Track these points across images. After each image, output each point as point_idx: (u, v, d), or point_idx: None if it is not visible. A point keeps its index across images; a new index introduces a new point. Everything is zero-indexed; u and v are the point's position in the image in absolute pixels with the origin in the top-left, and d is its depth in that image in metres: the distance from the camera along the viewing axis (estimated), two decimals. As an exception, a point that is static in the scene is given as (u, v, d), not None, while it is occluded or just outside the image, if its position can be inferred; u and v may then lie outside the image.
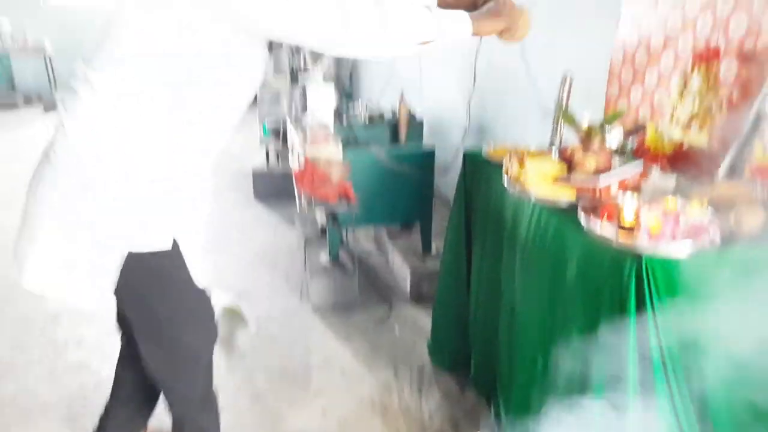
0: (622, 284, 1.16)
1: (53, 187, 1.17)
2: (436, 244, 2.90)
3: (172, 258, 1.25)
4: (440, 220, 3.10)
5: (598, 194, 1.41)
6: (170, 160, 1.18)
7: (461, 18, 1.18)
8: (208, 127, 1.21)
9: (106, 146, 1.13)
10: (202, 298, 1.38)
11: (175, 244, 1.24)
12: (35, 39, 7.41)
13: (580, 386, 1.30)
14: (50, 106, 7.32)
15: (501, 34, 1.26)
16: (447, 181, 3.71)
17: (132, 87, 1.09)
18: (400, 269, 2.85)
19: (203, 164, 1.29)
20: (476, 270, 2.00)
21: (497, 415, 1.85)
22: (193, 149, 1.22)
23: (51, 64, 7.45)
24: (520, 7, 1.26)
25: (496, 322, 1.84)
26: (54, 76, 7.53)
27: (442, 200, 3.77)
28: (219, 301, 2.55)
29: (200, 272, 1.32)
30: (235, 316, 2.54)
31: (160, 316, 1.32)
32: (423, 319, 2.52)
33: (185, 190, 1.25)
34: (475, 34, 1.21)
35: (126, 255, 1.18)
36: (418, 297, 2.69)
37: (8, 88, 7.91)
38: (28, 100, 7.84)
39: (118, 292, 1.25)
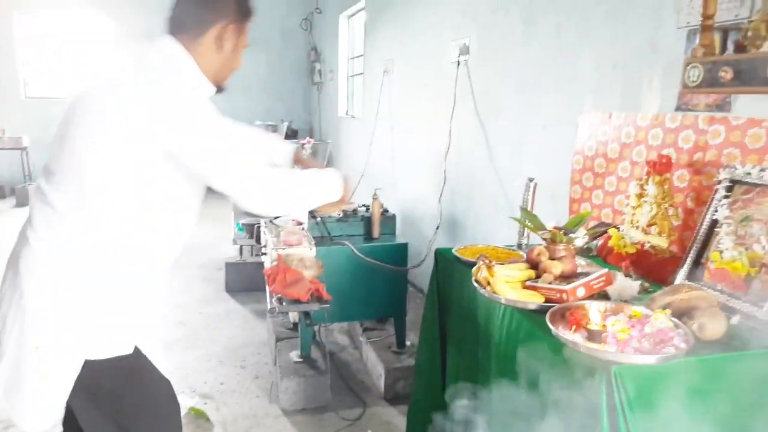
0: (594, 389, 1.17)
1: (18, 305, 1.19)
2: (411, 338, 2.87)
3: (134, 360, 1.25)
4: (414, 311, 3.10)
5: (565, 298, 1.45)
6: (128, 268, 1.25)
7: (335, 178, 1.51)
8: (159, 240, 1.31)
9: (69, 257, 1.19)
10: (166, 394, 1.36)
11: (136, 349, 1.25)
12: (13, 131, 7.47)
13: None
14: (23, 200, 7.26)
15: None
16: (420, 273, 3.74)
17: (91, 207, 1.19)
18: (375, 366, 2.80)
19: (158, 271, 1.36)
20: (452, 369, 1.99)
21: None
22: (146, 259, 1.30)
23: (27, 157, 7.48)
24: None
25: (474, 424, 1.80)
26: (29, 169, 7.53)
27: (415, 291, 3.78)
28: (184, 403, 2.46)
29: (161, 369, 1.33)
30: (200, 419, 2.43)
31: (120, 417, 1.28)
32: (398, 420, 2.44)
33: (141, 296, 1.30)
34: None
35: (83, 363, 1.19)
36: (393, 396, 2.62)
37: (-20, 182, 7.88)
38: (0, 194, 7.78)
39: (72, 400, 1.22)
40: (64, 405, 1.23)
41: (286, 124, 5.42)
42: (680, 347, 1.20)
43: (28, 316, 1.17)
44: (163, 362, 1.34)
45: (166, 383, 1.35)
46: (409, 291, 3.19)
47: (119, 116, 1.16)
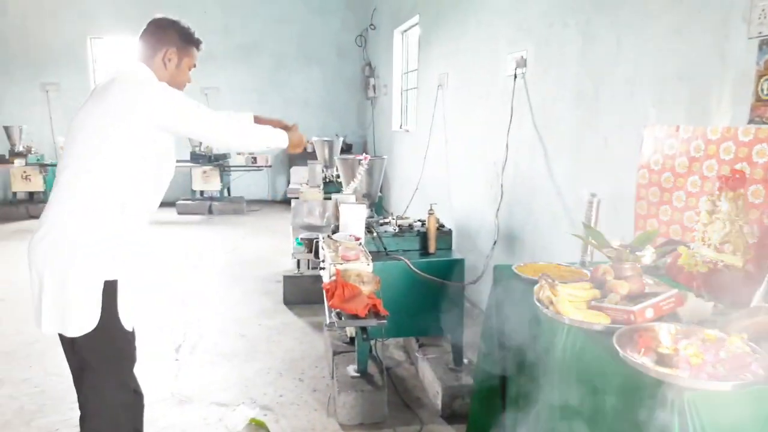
0: (666, 416, 1.13)
1: (44, 251, 1.75)
2: (468, 356, 2.84)
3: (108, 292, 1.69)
4: (471, 328, 3.06)
5: (633, 320, 1.40)
6: (117, 213, 1.72)
7: (281, 133, 2.06)
8: (146, 188, 1.79)
9: (83, 211, 1.69)
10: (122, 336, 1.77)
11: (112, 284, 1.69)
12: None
13: None
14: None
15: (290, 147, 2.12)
16: (477, 290, 3.70)
17: (100, 169, 1.69)
18: (431, 384, 2.78)
19: (144, 212, 1.84)
20: (513, 390, 1.95)
21: None
22: (136, 202, 1.78)
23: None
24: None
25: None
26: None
27: (472, 308, 3.74)
28: (246, 414, 2.52)
29: (136, 311, 1.79)
30: (261, 430, 2.48)
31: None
32: (455, 440, 2.42)
33: (130, 237, 1.76)
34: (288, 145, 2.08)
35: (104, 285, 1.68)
36: (450, 414, 2.60)
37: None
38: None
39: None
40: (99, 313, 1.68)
41: (341, 139, 5.51)
42: (758, 373, 1.14)
43: (58, 258, 1.70)
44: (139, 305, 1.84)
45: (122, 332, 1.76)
46: (465, 307, 3.17)
47: (124, 102, 1.66)
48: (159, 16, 1.86)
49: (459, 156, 4.55)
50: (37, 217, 7.26)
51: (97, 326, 1.67)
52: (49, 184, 7.98)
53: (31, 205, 7.85)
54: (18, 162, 7.52)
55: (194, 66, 1.94)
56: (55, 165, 7.90)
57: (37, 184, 7.71)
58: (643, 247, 1.72)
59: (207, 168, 7.99)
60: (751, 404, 1.12)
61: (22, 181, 7.62)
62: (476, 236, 4.03)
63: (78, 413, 1.82)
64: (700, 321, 1.47)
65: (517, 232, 3.41)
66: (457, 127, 4.60)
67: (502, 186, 3.48)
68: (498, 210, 3.50)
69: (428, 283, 2.73)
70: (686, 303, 1.51)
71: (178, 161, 7.02)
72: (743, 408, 1.12)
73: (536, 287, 1.64)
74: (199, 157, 7.93)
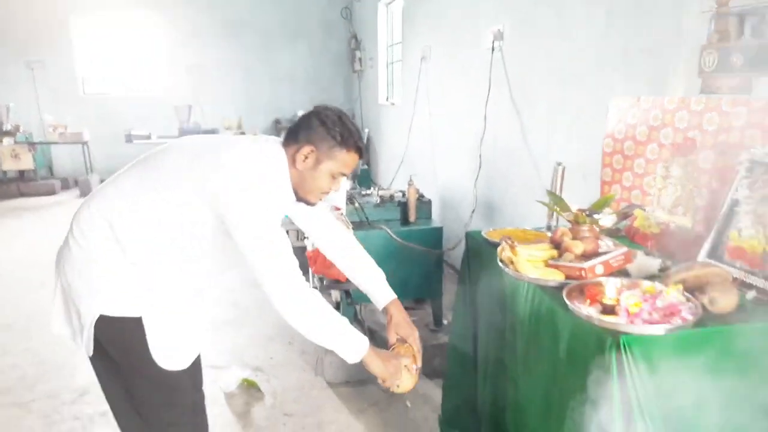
0: (605, 360, 1.27)
1: (65, 262, 1.50)
2: (448, 318, 3.00)
3: (137, 329, 1.43)
4: (453, 292, 3.22)
5: (584, 275, 1.54)
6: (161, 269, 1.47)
7: (359, 346, 1.50)
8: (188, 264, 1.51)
9: (110, 259, 1.44)
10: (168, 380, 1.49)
11: (138, 321, 1.43)
12: (75, 127, 7.95)
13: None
14: (86, 191, 7.73)
15: (382, 380, 1.58)
16: (458, 255, 3.85)
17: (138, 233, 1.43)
18: (412, 344, 2.94)
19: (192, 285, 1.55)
20: (483, 345, 2.10)
21: (504, 491, 1.89)
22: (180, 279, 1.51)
23: (88, 150, 7.94)
24: (407, 374, 1.62)
25: (504, 396, 1.92)
26: (90, 161, 8.00)
27: (454, 273, 3.89)
28: (238, 374, 2.67)
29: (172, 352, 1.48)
30: (252, 389, 2.64)
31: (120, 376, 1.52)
32: (434, 393, 2.59)
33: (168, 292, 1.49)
34: (362, 362, 1.53)
35: (96, 317, 1.41)
36: (430, 371, 2.76)
37: (47, 174, 8.42)
38: (65, 185, 8.32)
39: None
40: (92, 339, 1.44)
41: (327, 113, 5.57)
42: (687, 319, 1.28)
43: (72, 275, 1.47)
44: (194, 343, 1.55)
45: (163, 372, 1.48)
46: (448, 273, 3.32)
47: (208, 193, 1.40)
48: (323, 107, 1.58)
49: (442, 128, 4.65)
50: (28, 194, 7.26)
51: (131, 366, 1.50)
52: (39, 161, 8.02)
53: (22, 182, 7.90)
54: (7, 141, 7.53)
55: (343, 174, 1.58)
56: (43, 143, 7.94)
57: (26, 162, 7.74)
58: (600, 210, 1.85)
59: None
60: (680, 345, 1.27)
61: (12, 159, 7.64)
62: (458, 206, 4.16)
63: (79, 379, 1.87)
64: (648, 276, 1.61)
65: (495, 202, 3.55)
66: (440, 99, 4.69)
67: (480, 157, 3.60)
68: (476, 180, 3.62)
69: (409, 250, 2.87)
70: (635, 260, 1.65)
71: (163, 136, 7.01)
72: (673, 349, 1.27)
73: (499, 249, 1.77)
74: (188, 132, 7.97)
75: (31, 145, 7.77)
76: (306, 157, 1.50)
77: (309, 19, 9.12)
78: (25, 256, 4.93)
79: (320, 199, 1.63)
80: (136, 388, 1.50)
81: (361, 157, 1.60)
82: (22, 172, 7.97)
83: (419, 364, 1.68)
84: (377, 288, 1.80)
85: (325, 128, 1.51)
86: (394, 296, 1.81)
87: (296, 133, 1.53)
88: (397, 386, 1.58)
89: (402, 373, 1.58)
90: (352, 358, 1.49)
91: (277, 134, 8.63)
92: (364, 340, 1.51)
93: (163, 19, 8.67)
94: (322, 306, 1.46)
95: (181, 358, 1.49)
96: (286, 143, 1.54)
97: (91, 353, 1.47)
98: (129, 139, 8.03)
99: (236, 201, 1.39)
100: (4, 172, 7.97)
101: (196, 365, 1.62)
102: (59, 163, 8.57)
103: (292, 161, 1.51)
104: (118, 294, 1.42)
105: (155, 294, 1.45)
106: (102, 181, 7.99)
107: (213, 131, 8.07)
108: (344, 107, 9.12)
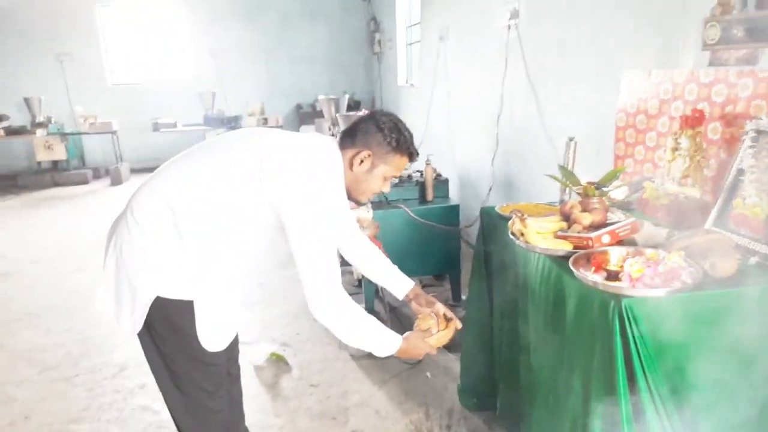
0: (608, 323, 1.35)
1: (122, 241, 1.52)
2: (467, 293, 3.08)
3: (188, 311, 1.50)
4: (468, 268, 3.30)
5: (591, 245, 1.61)
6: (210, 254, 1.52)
7: (389, 347, 1.59)
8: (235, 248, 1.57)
9: (165, 241, 1.49)
10: (209, 361, 1.57)
11: (190, 304, 1.49)
12: (104, 117, 8.18)
13: (584, 415, 1.47)
14: (117, 180, 7.98)
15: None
16: (475, 232, 3.92)
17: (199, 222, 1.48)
18: (433, 319, 3.04)
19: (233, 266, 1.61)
20: (497, 316, 2.19)
21: (520, 451, 1.99)
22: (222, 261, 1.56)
23: (117, 140, 8.18)
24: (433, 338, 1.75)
25: (517, 363, 2.01)
26: (120, 151, 8.24)
27: (470, 250, 3.96)
28: (266, 349, 2.81)
29: (216, 335, 1.56)
30: (281, 362, 2.77)
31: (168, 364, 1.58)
32: (453, 364, 2.69)
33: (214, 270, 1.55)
34: (396, 355, 1.63)
35: (153, 298, 1.48)
36: (449, 344, 2.85)
37: (80, 164, 8.70)
38: (96, 174, 8.58)
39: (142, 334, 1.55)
40: (143, 318, 1.51)
41: (347, 96, 5.65)
42: (687, 282, 1.34)
43: (126, 255, 1.51)
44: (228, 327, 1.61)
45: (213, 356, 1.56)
46: (466, 251, 3.39)
47: (271, 192, 1.45)
48: (380, 112, 1.64)
49: (460, 108, 4.68)
50: (61, 184, 7.50)
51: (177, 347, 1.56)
52: (71, 152, 8.28)
53: (56, 173, 8.18)
54: (40, 132, 7.79)
55: (395, 177, 1.69)
56: (74, 134, 8.19)
57: (59, 153, 8.01)
58: (609, 183, 1.90)
59: (220, 131, 8.19)
60: (679, 307, 1.34)
61: (45, 150, 7.92)
62: (476, 184, 4.22)
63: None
64: (655, 245, 1.67)
65: (512, 179, 3.60)
66: (458, 79, 4.72)
67: (497, 135, 3.64)
68: (494, 158, 3.67)
69: (427, 228, 2.96)
70: (642, 230, 1.71)
71: (189, 125, 7.17)
72: (673, 311, 1.34)
73: (510, 222, 1.84)
74: (213, 120, 8.14)
75: (63, 136, 8.03)
76: (362, 161, 1.57)
77: (328, 0, 9.16)
78: (61, 242, 5.17)
79: (370, 199, 1.70)
80: (176, 364, 1.58)
81: (411, 161, 1.67)
82: (55, 163, 8.25)
83: (442, 327, 1.80)
84: (396, 279, 1.90)
85: (382, 134, 1.57)
86: (412, 282, 1.91)
87: (353, 136, 1.59)
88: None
89: (426, 348, 1.69)
90: (383, 354, 1.59)
91: (300, 119, 8.74)
92: (395, 340, 1.59)
93: (184, 4, 8.80)
94: (355, 314, 1.53)
95: (222, 340, 1.57)
96: (343, 145, 1.59)
97: (138, 331, 1.55)
98: (156, 127, 8.25)
99: (296, 205, 1.45)
100: (39, 163, 8.27)
101: (234, 341, 1.71)
102: (90, 153, 8.84)
103: (349, 164, 1.57)
104: (174, 277, 1.48)
105: (206, 278, 1.51)
106: (132, 170, 8.18)
107: (237, 118, 8.22)
108: (364, 89, 9.21)
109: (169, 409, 1.69)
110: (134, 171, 8.54)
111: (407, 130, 1.63)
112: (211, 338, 1.55)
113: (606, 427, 1.40)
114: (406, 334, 1.67)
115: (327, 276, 1.49)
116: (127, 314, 1.54)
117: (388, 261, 1.92)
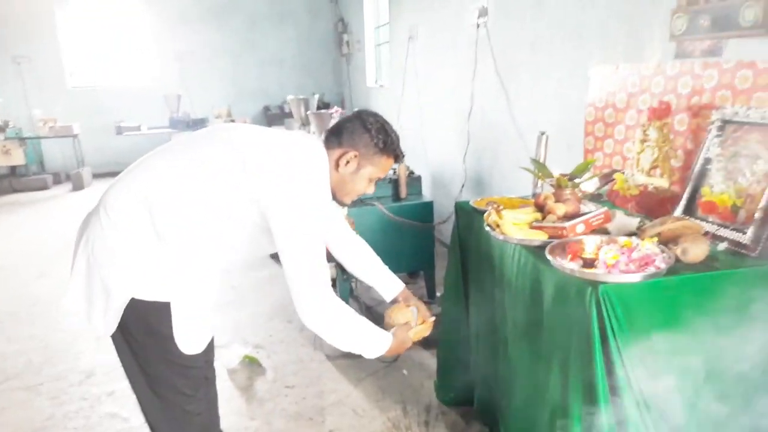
0: (585, 309, 1.35)
1: (95, 239, 1.46)
2: (441, 290, 3.08)
3: (164, 314, 1.45)
4: (443, 265, 3.31)
5: (565, 234, 1.62)
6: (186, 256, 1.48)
7: (380, 347, 1.58)
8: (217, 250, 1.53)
9: (139, 246, 1.44)
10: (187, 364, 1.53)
11: (166, 306, 1.45)
12: (64, 121, 7.93)
13: (563, 403, 1.47)
14: (78, 185, 7.74)
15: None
16: (449, 231, 3.93)
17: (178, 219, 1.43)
18: (408, 316, 3.03)
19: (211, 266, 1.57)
20: (474, 310, 2.19)
21: (498, 443, 1.99)
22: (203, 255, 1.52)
23: (78, 144, 7.93)
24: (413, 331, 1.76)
25: (495, 356, 2.01)
26: (81, 155, 8.00)
27: (446, 250, 3.97)
28: (239, 352, 2.75)
29: (193, 338, 1.52)
30: (254, 364, 2.72)
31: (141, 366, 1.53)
32: (429, 361, 2.68)
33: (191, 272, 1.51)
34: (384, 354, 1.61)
35: (128, 300, 1.43)
36: (425, 341, 2.84)
37: (39, 170, 8.39)
38: (57, 179, 8.29)
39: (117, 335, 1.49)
40: (118, 320, 1.45)
41: (316, 96, 5.62)
42: (661, 267, 1.36)
43: (98, 254, 1.44)
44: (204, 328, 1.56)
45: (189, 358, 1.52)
46: (440, 249, 3.40)
47: (256, 190, 1.40)
48: (366, 112, 1.62)
49: (430, 107, 4.70)
50: (20, 190, 7.24)
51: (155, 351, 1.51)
52: (30, 157, 8.01)
53: (14, 178, 7.89)
54: (-4, 137, 7.53)
55: (380, 178, 1.66)
56: (33, 138, 7.93)
57: (18, 158, 7.73)
58: (580, 175, 1.93)
59: (186, 134, 8.03)
60: (653, 292, 1.36)
61: (3, 155, 7.63)
62: (449, 183, 4.24)
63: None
64: (627, 234, 1.69)
65: (484, 175, 3.62)
66: (428, 78, 4.74)
67: (468, 132, 3.66)
68: (465, 155, 3.69)
69: (401, 225, 2.95)
70: (614, 219, 1.73)
71: (154, 128, 7.00)
72: (648, 295, 1.35)
73: (486, 214, 1.85)
74: (178, 123, 7.98)
75: (22, 140, 7.76)
76: (348, 162, 1.54)
77: (294, 2, 9.10)
78: (22, 249, 4.98)
79: (353, 200, 1.67)
80: (153, 367, 1.54)
81: (397, 162, 1.66)
82: (13, 168, 7.97)
83: (420, 320, 1.79)
84: (386, 280, 1.89)
85: (369, 135, 1.54)
86: (402, 284, 1.91)
87: (339, 136, 1.56)
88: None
89: (409, 341, 1.70)
90: (374, 356, 1.56)
91: (268, 121, 8.64)
92: (386, 339, 1.57)
93: (148, 6, 8.62)
94: (345, 318, 1.49)
95: (200, 342, 1.54)
96: (328, 145, 1.56)
97: (112, 333, 1.49)
98: (119, 131, 8.03)
99: (282, 205, 1.40)
100: (-5, 169, 7.98)
101: (210, 343, 1.67)
102: (50, 157, 8.56)
103: (335, 164, 1.54)
104: (151, 278, 1.44)
105: (183, 279, 1.47)
106: (95, 175, 7.94)
107: (203, 120, 8.08)
108: (334, 91, 9.17)
109: (145, 414, 1.63)
110: (97, 176, 8.31)
111: (393, 131, 1.61)
112: (189, 341, 1.51)
113: (585, 415, 1.41)
114: (393, 329, 1.65)
115: (313, 278, 1.44)
116: (100, 315, 1.48)
117: (379, 260, 1.90)
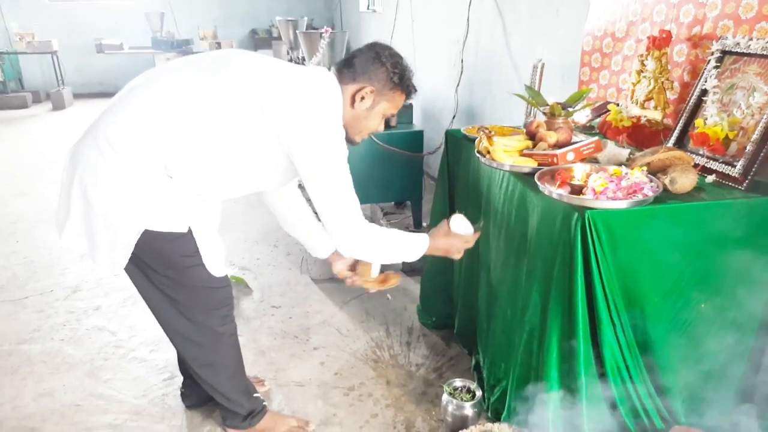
0: (570, 234, 1.37)
1: (95, 174, 1.39)
2: (427, 221, 3.10)
3: (183, 243, 1.47)
4: (431, 196, 3.32)
5: (556, 162, 1.62)
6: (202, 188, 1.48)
7: (420, 249, 1.59)
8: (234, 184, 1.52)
9: (143, 175, 1.39)
10: (212, 285, 1.57)
11: (189, 233, 1.46)
12: (42, 36, 7.58)
13: (541, 326, 1.52)
14: (59, 104, 7.50)
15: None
16: (437, 164, 3.91)
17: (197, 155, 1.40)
18: (393, 244, 3.06)
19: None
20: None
21: (477, 363, 2.06)
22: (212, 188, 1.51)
23: (58, 60, 7.63)
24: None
25: (476, 282, 2.05)
26: (61, 73, 7.71)
27: (433, 183, 3.97)
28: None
29: (219, 261, 1.57)
30: (240, 285, 2.76)
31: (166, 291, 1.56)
32: (413, 287, 2.73)
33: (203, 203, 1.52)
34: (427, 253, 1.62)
35: (142, 232, 1.41)
36: (409, 268, 2.90)
37: (17, 87, 8.08)
38: (36, 98, 8.00)
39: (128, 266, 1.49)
40: (128, 256, 1.45)
41: (305, 19, 5.40)
42: (648, 195, 1.37)
43: (99, 189, 1.39)
44: (219, 260, 1.58)
45: (211, 277, 1.56)
46: (428, 182, 3.39)
47: (265, 119, 1.38)
48: (380, 45, 1.53)
49: (424, 36, 4.55)
50: (-1, 107, 6.88)
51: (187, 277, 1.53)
52: (7, 73, 7.71)
53: (-10, 95, 7.64)
54: (-30, 50, 7.20)
55: (393, 115, 1.61)
56: (10, 53, 7.60)
57: (-7, 74, 7.45)
58: (574, 104, 1.90)
59: (170, 55, 7.75)
60: (639, 219, 1.37)
61: (-22, 69, 7.35)
62: (440, 115, 4.17)
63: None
64: (617, 164, 1.69)
65: (476, 106, 3.57)
66: (423, 4, 4.57)
67: (462, 62, 3.57)
68: (458, 85, 3.62)
69: (390, 155, 2.92)
70: (605, 149, 1.72)
71: (136, 47, 6.73)
72: (633, 222, 1.37)
73: (476, 140, 1.83)
74: (162, 44, 7.68)
75: (-2, 54, 7.46)
76: (363, 98, 1.47)
77: None
78: (1, 167, 4.88)
79: (363, 140, 1.62)
80: (183, 296, 1.56)
81: (408, 98, 1.60)
82: (-11, 84, 7.70)
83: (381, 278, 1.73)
84: (321, 238, 1.82)
85: (385, 69, 1.47)
86: (335, 247, 1.81)
87: (353, 70, 1.48)
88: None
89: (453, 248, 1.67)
90: (418, 256, 1.58)
91: (255, 45, 8.34)
92: (423, 241, 1.59)
93: None
94: (381, 237, 1.50)
95: (224, 264, 1.60)
96: (343, 80, 1.48)
97: (120, 270, 1.48)
98: (100, 49, 7.72)
99: (308, 145, 1.38)
100: (-29, 85, 7.69)
101: None
102: (29, 75, 8.24)
103: (351, 100, 1.48)
104: (165, 209, 1.42)
105: (197, 209, 1.47)
106: (75, 95, 7.67)
107: (187, 42, 7.78)
108: (324, 15, 8.84)
109: (174, 343, 1.68)
110: (78, 96, 8.05)
111: (408, 65, 1.55)
112: (217, 264, 1.56)
113: (562, 337, 1.45)
114: (431, 230, 1.67)
115: (345, 213, 1.44)
116: (105, 254, 1.45)
117: (314, 217, 1.82)
